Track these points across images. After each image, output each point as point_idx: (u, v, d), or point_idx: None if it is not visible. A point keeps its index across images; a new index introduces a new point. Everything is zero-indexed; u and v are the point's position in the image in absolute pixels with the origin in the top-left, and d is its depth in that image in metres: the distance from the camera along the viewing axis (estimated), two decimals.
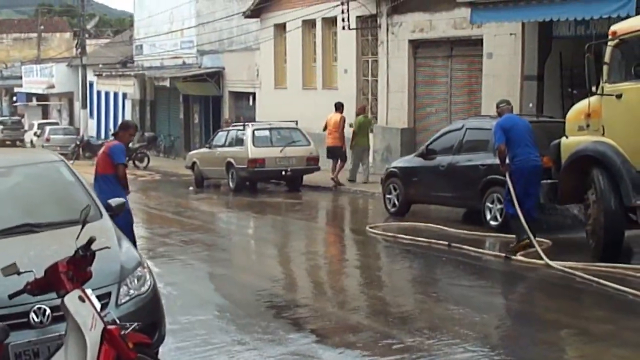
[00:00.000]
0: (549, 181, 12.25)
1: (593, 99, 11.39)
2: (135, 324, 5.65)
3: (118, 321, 5.63)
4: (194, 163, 25.25)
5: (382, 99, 24.99)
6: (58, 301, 5.52)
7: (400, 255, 12.97)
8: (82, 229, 5.82)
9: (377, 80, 25.53)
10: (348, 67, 26.82)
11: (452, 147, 15.36)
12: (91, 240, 5.66)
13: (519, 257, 11.60)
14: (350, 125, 23.30)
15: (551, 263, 10.93)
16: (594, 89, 11.24)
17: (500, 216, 13.73)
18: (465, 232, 13.88)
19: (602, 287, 9.78)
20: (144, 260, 6.92)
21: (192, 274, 11.78)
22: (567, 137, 12.07)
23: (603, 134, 11.25)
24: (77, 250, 5.64)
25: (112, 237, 7.06)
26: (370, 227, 14.81)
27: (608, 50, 11.17)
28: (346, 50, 26.87)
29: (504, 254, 11.82)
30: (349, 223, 17.74)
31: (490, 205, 14.08)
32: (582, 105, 11.87)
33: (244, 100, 33.84)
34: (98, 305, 5.61)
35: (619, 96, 10.88)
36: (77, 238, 5.70)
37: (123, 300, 6.44)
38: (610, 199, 10.88)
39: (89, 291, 5.62)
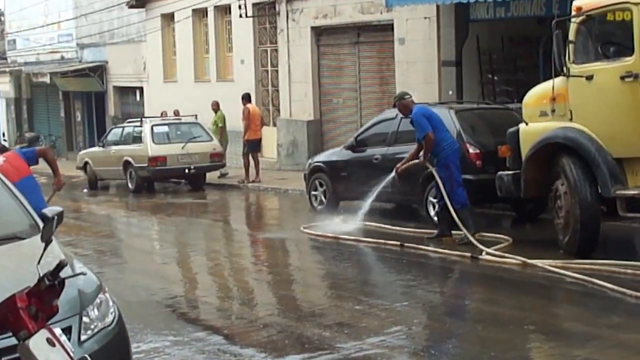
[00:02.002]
0: (509, 172, 11.35)
1: (558, 81, 10.53)
2: None
3: None
4: (85, 163, 23.57)
5: (284, 90, 23.85)
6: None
7: (345, 257, 11.84)
8: (44, 250, 4.47)
9: (277, 71, 24.35)
10: (245, 58, 25.52)
11: (385, 138, 14.36)
12: (61, 265, 4.28)
13: (487, 256, 10.62)
14: (215, 123, 22.68)
15: (530, 261, 9.98)
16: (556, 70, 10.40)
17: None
18: (415, 230, 12.84)
19: (572, 284, 9.07)
20: (103, 283, 5.58)
21: None
22: (526, 123, 11.18)
23: (571, 119, 10.41)
24: (42, 278, 4.24)
25: (60, 255, 5.67)
26: (305, 227, 13.64)
27: (573, 27, 10.31)
28: (242, 39, 25.55)
29: (470, 254, 10.81)
30: (266, 223, 16.58)
31: (433, 200, 13.11)
32: (544, 88, 11.02)
33: (131, 95, 32.25)
34: (71, 350, 4.27)
35: (589, 78, 10.04)
36: (39, 262, 4.35)
37: (85, 337, 5.09)
38: (586, 190, 10.04)
39: (57, 331, 4.27)
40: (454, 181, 11.81)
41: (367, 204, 13.39)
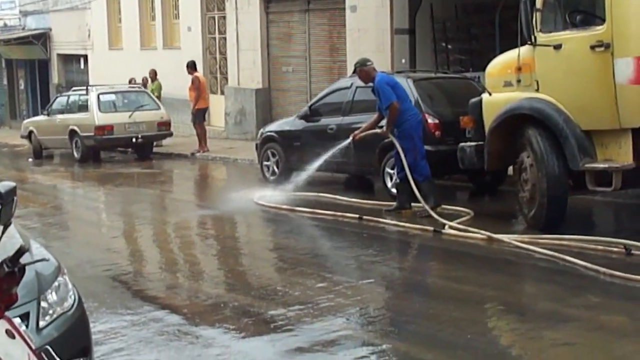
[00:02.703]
0: (472, 144, 11.05)
1: (524, 50, 10.22)
2: None
3: (57, 357, 3.93)
4: (30, 132, 22.99)
5: (232, 58, 23.32)
6: None
7: (303, 231, 11.48)
8: (2, 233, 4.03)
9: (225, 38, 23.79)
10: (192, 25, 24.92)
11: (340, 108, 13.98)
12: (21, 251, 3.84)
13: (450, 230, 10.32)
14: (152, 92, 22.28)
15: (496, 236, 9.68)
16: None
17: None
18: (372, 202, 12.49)
19: (542, 260, 8.77)
20: (61, 265, 5.17)
21: None
22: (490, 94, 10.88)
23: (537, 90, 10.12)
24: (1, 264, 3.80)
25: (20, 239, 5.22)
26: (258, 199, 13.22)
27: None
28: (189, 6, 24.95)
29: (432, 228, 10.49)
30: (218, 194, 16.06)
31: (391, 171, 12.80)
32: (508, 57, 10.71)
33: (75, 63, 31.50)
34: (32, 341, 3.86)
35: (557, 47, 9.75)
36: None
37: (44, 323, 4.70)
38: (553, 163, 9.77)
39: (16, 320, 3.86)
40: (418, 153, 11.50)
41: (315, 167, 12.98)
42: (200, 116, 20.89)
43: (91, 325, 5.38)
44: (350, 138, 12.22)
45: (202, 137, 20.84)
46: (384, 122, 11.76)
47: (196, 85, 20.73)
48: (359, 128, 12.50)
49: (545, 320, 7.00)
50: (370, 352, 6.34)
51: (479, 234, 9.90)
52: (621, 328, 6.72)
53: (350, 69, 17.91)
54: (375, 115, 12.01)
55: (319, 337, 6.66)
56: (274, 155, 15.28)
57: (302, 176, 13.21)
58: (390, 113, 11.45)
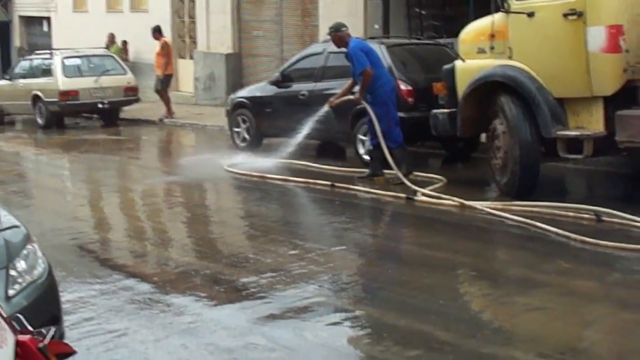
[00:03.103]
0: (444, 111, 10.99)
1: (497, 17, 10.17)
2: (53, 329, 3.85)
3: (29, 325, 3.84)
4: None
5: (201, 22, 23.04)
6: None
7: (275, 198, 11.39)
8: None
9: (194, 1, 23.46)
10: None
11: (312, 74, 13.84)
12: None
13: (423, 197, 10.28)
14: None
15: (468, 203, 9.65)
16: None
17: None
18: (344, 169, 12.41)
19: (514, 227, 8.78)
20: (30, 232, 5.05)
21: None
22: (463, 60, 10.81)
23: (510, 57, 10.07)
24: None
25: None
26: (228, 166, 13.09)
27: None
28: None
29: (404, 195, 10.44)
30: (187, 161, 15.87)
31: (363, 138, 12.72)
32: (482, 24, 10.64)
33: (37, 25, 30.87)
34: (2, 308, 3.75)
35: (530, 14, 9.69)
36: None
37: (13, 292, 4.60)
38: (526, 130, 9.75)
39: None
40: (391, 119, 11.42)
41: (297, 140, 12.88)
42: (167, 82, 20.65)
43: (59, 294, 5.28)
44: (327, 105, 12.10)
45: (169, 102, 20.60)
46: (357, 89, 11.66)
47: (166, 50, 20.46)
48: (331, 94, 12.41)
49: (517, 286, 7.03)
50: (342, 318, 6.30)
51: (452, 201, 9.87)
52: (591, 293, 6.75)
53: (322, 34, 17.86)
54: (349, 82, 11.91)
55: (291, 304, 6.61)
56: (244, 121, 15.14)
57: (288, 146, 13.02)
58: (363, 79, 11.36)
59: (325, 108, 12.16)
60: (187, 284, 7.30)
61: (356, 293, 7.05)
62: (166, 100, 20.58)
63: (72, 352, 4.09)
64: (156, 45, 20.58)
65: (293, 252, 8.25)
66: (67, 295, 6.86)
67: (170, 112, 20.53)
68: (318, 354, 5.62)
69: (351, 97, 11.74)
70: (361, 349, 5.75)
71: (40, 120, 20.77)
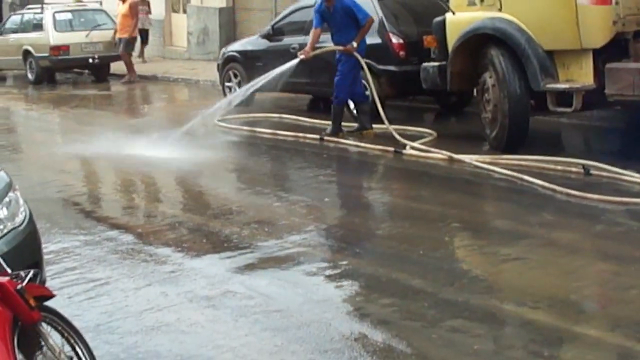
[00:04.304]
0: (435, 64, 10.90)
1: None
2: (32, 271, 3.87)
3: (8, 269, 3.85)
4: None
5: None
6: None
7: (263, 152, 11.32)
8: None
9: None
10: None
11: (303, 27, 13.68)
12: None
13: (411, 151, 10.22)
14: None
15: (457, 156, 9.61)
16: None
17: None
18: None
19: (501, 180, 8.75)
20: (12, 180, 5.03)
21: None
22: (453, 13, 10.69)
23: (500, 9, 9.96)
24: None
25: None
26: (219, 120, 13.01)
27: None
28: None
29: (393, 149, 10.39)
30: (176, 115, 15.70)
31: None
32: None
33: None
34: None
35: None
36: None
37: None
38: (515, 83, 9.67)
39: None
40: (358, 74, 11.38)
41: (254, 85, 12.58)
42: (132, 46, 20.44)
43: (43, 246, 5.30)
44: (300, 55, 11.84)
45: (130, 64, 20.29)
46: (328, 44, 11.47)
47: (135, 11, 20.14)
48: (321, 47, 12.26)
49: (499, 237, 7.04)
50: (322, 268, 6.31)
51: (440, 154, 9.82)
52: (572, 244, 6.72)
53: None
54: (314, 31, 11.66)
55: (272, 254, 6.62)
56: (235, 75, 15.02)
57: (252, 89, 12.82)
58: (366, 27, 11.26)
59: (300, 58, 11.85)
60: (171, 235, 7.30)
61: (337, 244, 7.04)
62: (129, 64, 20.22)
63: (51, 296, 4.10)
64: (121, 5, 20.08)
65: (277, 204, 8.23)
66: (51, 246, 6.88)
67: (132, 73, 20.17)
68: (295, 301, 5.61)
69: (340, 47, 11.52)
70: (338, 297, 5.74)
71: (30, 76, 20.60)
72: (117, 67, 20.87)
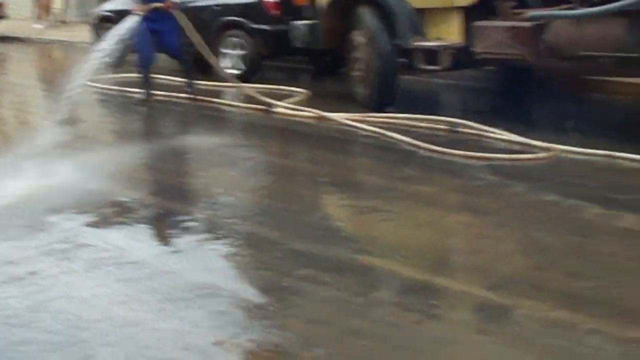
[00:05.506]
0: (305, 22, 10.85)
1: None
2: None
3: None
4: None
5: None
6: None
7: (132, 111, 11.10)
8: None
9: None
10: None
11: None
12: None
13: (282, 110, 10.17)
14: None
15: (326, 114, 9.60)
16: None
17: (243, 64, 12.37)
18: (209, 83, 12.13)
19: (368, 137, 8.80)
20: None
21: None
22: None
23: None
24: None
25: None
26: (89, 80, 12.63)
27: None
28: None
29: (264, 107, 10.31)
30: (51, 76, 15.27)
31: (229, 52, 12.52)
32: None
33: None
34: None
35: None
36: None
37: None
38: (385, 41, 9.70)
39: None
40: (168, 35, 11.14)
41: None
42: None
43: None
44: (135, 11, 11.35)
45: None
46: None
47: None
48: (198, 7, 12.09)
49: (360, 191, 7.07)
50: (180, 220, 6.28)
51: (310, 113, 9.80)
52: (430, 197, 6.79)
53: None
54: None
55: (130, 209, 6.57)
56: None
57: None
58: None
59: (138, 15, 11.34)
60: None
61: (198, 198, 6.99)
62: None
63: None
64: None
65: (141, 160, 8.07)
66: None
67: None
68: (149, 254, 5.55)
69: (161, 4, 11.12)
70: (192, 249, 5.67)
71: None
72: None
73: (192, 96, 11.16)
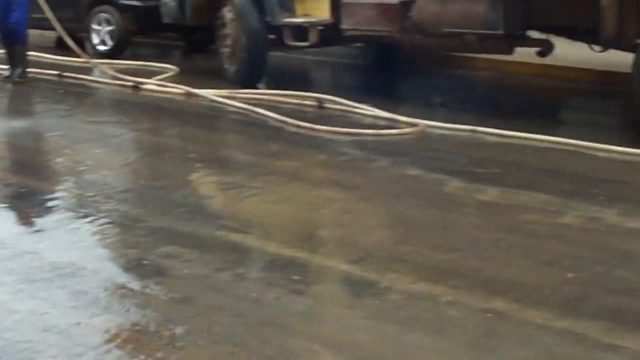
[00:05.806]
0: None
1: None
2: None
3: None
4: None
5: None
6: None
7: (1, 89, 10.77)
8: None
9: None
10: None
11: None
12: None
13: (150, 86, 10.02)
14: None
15: (194, 91, 9.51)
16: None
17: (112, 40, 12.16)
18: (77, 60, 11.80)
19: (236, 114, 8.80)
20: None
21: None
22: None
23: None
24: None
25: None
26: None
27: None
28: None
29: (132, 84, 10.13)
30: None
31: (98, 28, 12.28)
32: None
33: None
34: None
35: None
36: None
37: None
38: (254, 17, 9.70)
39: None
40: None
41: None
42: None
43: None
44: None
45: None
46: None
47: None
48: None
49: (224, 167, 7.10)
50: (42, 200, 6.22)
51: (179, 89, 9.71)
52: (294, 172, 6.83)
53: None
54: None
55: None
56: None
57: None
58: None
59: None
60: None
61: (59, 177, 6.87)
62: None
63: None
64: None
65: (4, 139, 7.85)
66: None
67: None
68: (11, 233, 5.44)
69: None
70: (54, 228, 5.55)
71: None
72: None
73: (58, 72, 10.83)
